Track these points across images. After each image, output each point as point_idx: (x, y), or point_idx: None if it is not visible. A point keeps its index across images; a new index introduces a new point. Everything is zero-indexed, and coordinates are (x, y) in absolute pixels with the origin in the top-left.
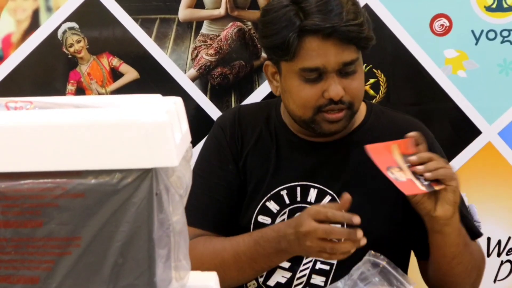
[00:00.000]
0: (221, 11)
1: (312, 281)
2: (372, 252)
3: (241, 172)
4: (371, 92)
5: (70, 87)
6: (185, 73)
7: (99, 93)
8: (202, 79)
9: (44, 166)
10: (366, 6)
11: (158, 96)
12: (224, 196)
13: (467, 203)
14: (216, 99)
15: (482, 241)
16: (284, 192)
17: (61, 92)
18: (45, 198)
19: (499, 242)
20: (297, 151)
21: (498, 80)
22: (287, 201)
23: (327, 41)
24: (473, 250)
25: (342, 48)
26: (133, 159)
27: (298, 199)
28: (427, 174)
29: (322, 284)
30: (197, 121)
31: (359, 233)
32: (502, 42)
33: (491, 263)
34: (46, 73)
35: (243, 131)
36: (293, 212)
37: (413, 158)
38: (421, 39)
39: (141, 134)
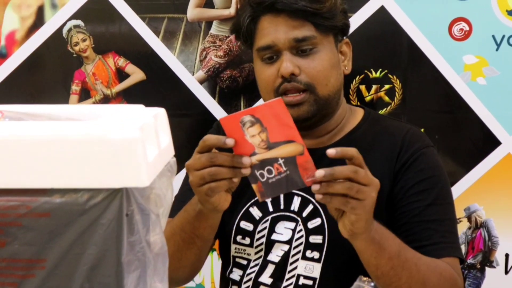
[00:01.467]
0: (231, 11)
1: None
2: (362, 277)
3: None
4: (386, 98)
5: (75, 87)
6: (193, 74)
7: (105, 94)
8: (211, 81)
9: (7, 183)
10: (382, 8)
11: (140, 108)
12: None
13: (484, 216)
14: (224, 103)
15: (500, 257)
16: (268, 200)
17: (66, 92)
18: (9, 217)
19: None
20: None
21: None
22: (271, 209)
23: (278, 18)
24: (424, 268)
25: (293, 24)
26: (102, 178)
27: (282, 207)
28: (318, 196)
29: None
30: (205, 125)
31: (245, 159)
32: None
33: (509, 280)
34: (50, 72)
35: None
36: (276, 220)
37: (319, 172)
38: (439, 44)
39: (109, 151)
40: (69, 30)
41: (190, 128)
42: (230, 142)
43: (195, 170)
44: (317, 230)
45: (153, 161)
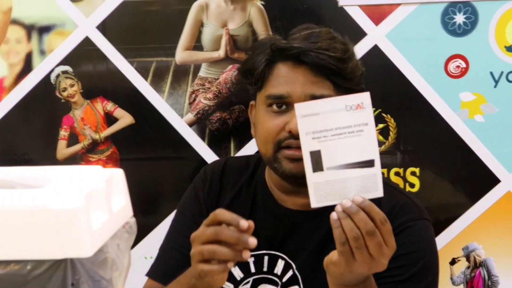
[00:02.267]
0: (221, 53)
1: None
2: None
3: None
4: (380, 137)
5: (63, 133)
6: (182, 117)
7: (93, 139)
8: (200, 124)
9: None
10: (375, 47)
11: (95, 169)
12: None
13: (483, 255)
14: (214, 145)
15: None
16: (251, 260)
17: (54, 137)
18: None
19: None
20: (271, 217)
21: None
22: (253, 270)
23: (297, 69)
24: None
25: (313, 79)
26: (44, 249)
27: (265, 269)
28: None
29: None
30: (194, 169)
31: (252, 240)
32: None
33: None
34: (39, 118)
35: (223, 186)
36: (257, 282)
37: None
38: (435, 82)
39: (51, 222)
40: (57, 76)
41: (180, 171)
42: (244, 224)
43: (199, 243)
44: None
45: (100, 228)
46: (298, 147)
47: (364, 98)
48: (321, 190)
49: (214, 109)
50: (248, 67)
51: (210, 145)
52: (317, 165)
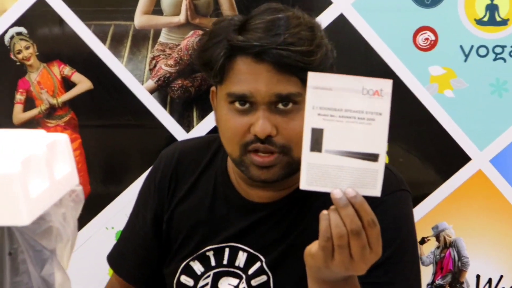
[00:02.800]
0: (181, 18)
1: None
2: None
3: (167, 224)
4: None
5: (19, 96)
6: (142, 84)
7: (50, 104)
8: (161, 91)
9: None
10: (341, 16)
11: (38, 134)
12: (142, 245)
13: (453, 236)
14: (176, 114)
15: (471, 279)
16: (210, 253)
17: (10, 101)
18: None
19: (489, 281)
20: (233, 210)
21: (489, 101)
22: (213, 263)
23: (260, 65)
24: None
25: (277, 77)
26: None
27: (225, 262)
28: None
29: None
30: (157, 138)
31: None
32: (494, 59)
33: None
34: None
35: (178, 175)
36: (218, 275)
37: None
38: (404, 54)
39: None
40: (12, 37)
41: (141, 139)
42: None
43: None
44: (262, 287)
45: (39, 196)
46: (266, 152)
47: (385, 85)
48: (313, 172)
49: (176, 76)
50: (205, 60)
51: (172, 113)
52: (316, 145)
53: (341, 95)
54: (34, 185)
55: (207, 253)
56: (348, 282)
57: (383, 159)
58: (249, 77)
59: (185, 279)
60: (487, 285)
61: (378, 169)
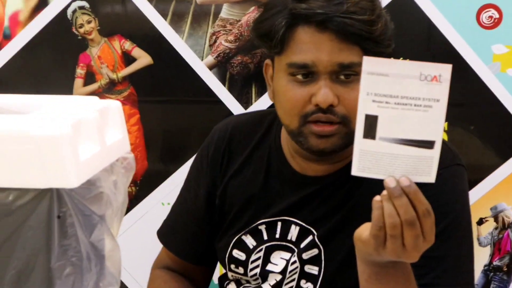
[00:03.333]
0: None
1: None
2: None
3: (220, 198)
4: None
5: (80, 71)
6: (202, 60)
7: (110, 78)
8: (221, 67)
9: None
10: None
11: (91, 100)
12: (193, 220)
13: None
14: (235, 90)
15: None
16: (263, 227)
17: (71, 75)
18: None
19: None
20: (286, 184)
21: None
22: (265, 237)
23: (322, 34)
24: None
25: (339, 46)
26: (27, 177)
27: (277, 236)
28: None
29: None
30: (215, 114)
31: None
32: None
33: None
34: (54, 54)
35: (232, 150)
36: (270, 250)
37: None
38: (466, 32)
39: (33, 149)
40: (74, 11)
41: (199, 116)
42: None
43: None
44: (313, 260)
45: (89, 159)
46: (328, 122)
47: (444, 70)
48: (366, 159)
49: (235, 52)
50: (265, 30)
51: (231, 89)
52: (370, 132)
53: (397, 81)
54: (84, 148)
55: (259, 227)
56: (397, 264)
57: (439, 146)
58: (311, 46)
59: (237, 253)
60: None
61: (433, 156)
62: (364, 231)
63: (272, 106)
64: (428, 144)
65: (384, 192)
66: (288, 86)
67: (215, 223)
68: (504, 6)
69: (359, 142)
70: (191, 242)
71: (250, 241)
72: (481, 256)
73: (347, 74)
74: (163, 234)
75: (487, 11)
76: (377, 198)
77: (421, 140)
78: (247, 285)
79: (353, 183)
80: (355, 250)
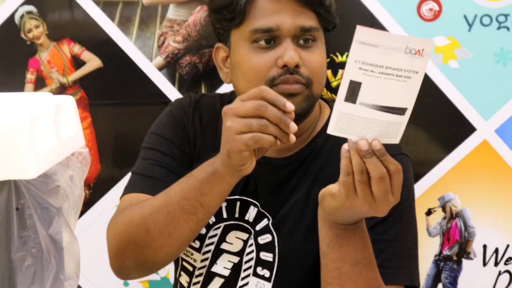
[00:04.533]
0: None
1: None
2: None
3: (190, 161)
4: None
5: (30, 76)
6: (151, 61)
7: (61, 83)
8: (170, 68)
9: None
10: None
11: (45, 96)
12: (170, 171)
13: (459, 206)
14: (185, 90)
15: (477, 249)
16: (224, 204)
17: (20, 80)
18: None
19: (496, 250)
20: None
21: (494, 71)
22: (225, 215)
23: (282, 1)
24: (367, 277)
25: (299, 9)
26: None
27: (236, 215)
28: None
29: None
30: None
31: (294, 125)
32: (498, 28)
33: (488, 273)
34: (3, 60)
35: (200, 122)
36: (228, 228)
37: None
38: (408, 25)
39: None
40: (22, 16)
41: (149, 116)
42: (290, 106)
43: (236, 116)
44: (267, 247)
45: (46, 152)
46: (295, 82)
47: (428, 45)
48: (343, 121)
49: (184, 53)
50: (223, 3)
51: (181, 89)
52: (351, 96)
53: (385, 53)
54: (41, 141)
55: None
56: (357, 227)
57: (409, 112)
58: (273, 11)
59: None
60: (494, 255)
61: (403, 121)
62: (332, 186)
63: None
64: (401, 111)
65: (351, 144)
66: (251, 54)
67: None
68: None
69: (340, 104)
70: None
71: None
72: (431, 246)
73: (306, 39)
74: (136, 188)
75: (427, 3)
76: (345, 147)
77: (396, 107)
78: (196, 280)
79: (309, 168)
80: (309, 234)
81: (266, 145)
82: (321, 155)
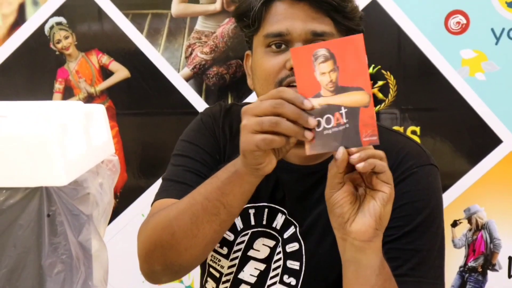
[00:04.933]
0: (217, 6)
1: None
2: None
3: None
4: (380, 95)
5: (58, 86)
6: (178, 72)
7: (88, 93)
8: (197, 78)
9: None
10: (374, 1)
11: (76, 104)
12: (200, 176)
13: (485, 218)
14: (212, 101)
15: (503, 260)
16: (252, 211)
17: (49, 90)
18: None
19: None
20: (274, 170)
21: None
22: (252, 222)
23: (297, 5)
24: None
25: (313, 15)
26: (18, 177)
27: (264, 222)
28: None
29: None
30: None
31: (312, 120)
32: None
33: None
34: (33, 70)
35: (230, 129)
36: (255, 235)
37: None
38: (435, 38)
39: (22, 149)
40: (51, 27)
41: (176, 127)
42: (308, 104)
43: (253, 115)
44: (295, 255)
45: (76, 159)
46: None
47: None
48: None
49: (211, 64)
50: (243, 9)
51: (207, 100)
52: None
53: None
54: (71, 148)
55: (249, 211)
56: (371, 245)
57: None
58: (286, 16)
59: (226, 234)
60: None
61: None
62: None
63: None
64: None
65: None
66: (264, 58)
67: None
68: (471, 12)
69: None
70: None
71: (238, 222)
72: (456, 258)
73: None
74: (169, 194)
75: (455, 17)
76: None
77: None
78: (222, 286)
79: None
80: (336, 244)
81: (278, 146)
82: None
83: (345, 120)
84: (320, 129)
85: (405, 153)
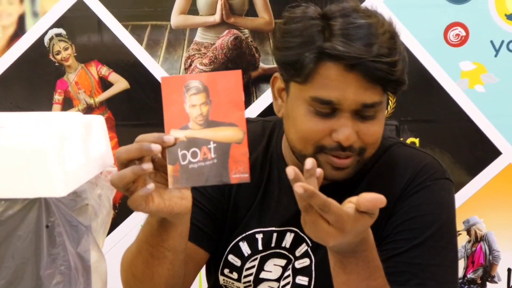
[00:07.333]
0: (216, 17)
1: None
2: None
3: (226, 198)
4: None
5: (57, 97)
6: None
7: (88, 104)
8: None
9: None
10: None
11: (76, 114)
12: (206, 217)
13: (484, 230)
14: None
15: (502, 272)
16: (259, 236)
17: (48, 101)
18: None
19: None
20: (285, 193)
21: None
22: (260, 247)
23: (349, 74)
24: None
25: (365, 86)
26: (16, 188)
27: (273, 245)
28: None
29: None
30: None
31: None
32: None
33: None
34: (32, 81)
35: None
36: (264, 259)
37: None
38: (435, 50)
39: (20, 160)
40: (51, 38)
41: None
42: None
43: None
44: (304, 271)
45: (75, 170)
46: (347, 157)
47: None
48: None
49: None
50: (290, 60)
51: None
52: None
53: None
54: (70, 159)
55: (256, 235)
56: (358, 257)
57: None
58: (337, 84)
59: (232, 259)
60: None
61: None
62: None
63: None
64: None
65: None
66: (308, 117)
67: (219, 220)
68: (471, 24)
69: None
70: (198, 225)
71: (245, 248)
72: None
73: (369, 114)
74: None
75: (454, 29)
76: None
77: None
78: None
79: (345, 195)
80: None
81: (128, 176)
82: (357, 180)
83: (213, 155)
84: (185, 162)
85: (422, 166)
